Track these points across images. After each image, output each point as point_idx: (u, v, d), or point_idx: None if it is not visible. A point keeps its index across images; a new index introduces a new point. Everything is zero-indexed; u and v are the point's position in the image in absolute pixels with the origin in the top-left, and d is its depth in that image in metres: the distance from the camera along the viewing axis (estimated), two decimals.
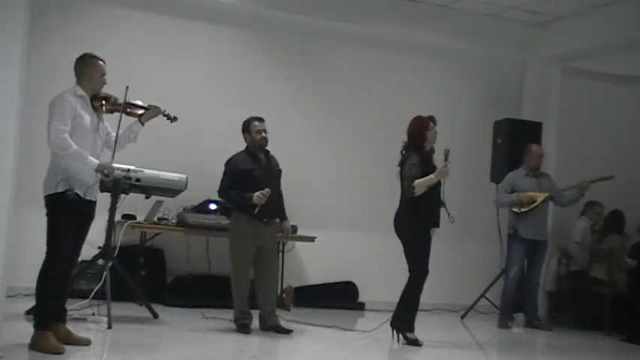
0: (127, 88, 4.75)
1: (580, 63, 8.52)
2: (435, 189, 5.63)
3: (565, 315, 8.04)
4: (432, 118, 5.78)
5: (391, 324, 5.80)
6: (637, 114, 8.93)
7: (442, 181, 5.66)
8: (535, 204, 7.19)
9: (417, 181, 5.54)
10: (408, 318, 5.72)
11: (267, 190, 5.61)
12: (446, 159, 5.60)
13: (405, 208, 5.74)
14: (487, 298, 7.70)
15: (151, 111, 4.96)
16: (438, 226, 5.73)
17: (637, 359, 6.44)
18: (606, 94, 8.89)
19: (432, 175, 5.54)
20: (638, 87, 8.97)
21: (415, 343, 5.65)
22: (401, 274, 8.30)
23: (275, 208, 5.83)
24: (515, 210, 7.25)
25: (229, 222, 6.02)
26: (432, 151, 5.81)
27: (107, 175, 4.57)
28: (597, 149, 8.67)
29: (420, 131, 5.73)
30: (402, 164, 5.73)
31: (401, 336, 5.72)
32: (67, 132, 4.38)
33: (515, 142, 7.64)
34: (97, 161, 4.50)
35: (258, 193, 5.61)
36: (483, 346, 6.56)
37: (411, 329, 5.71)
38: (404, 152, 5.79)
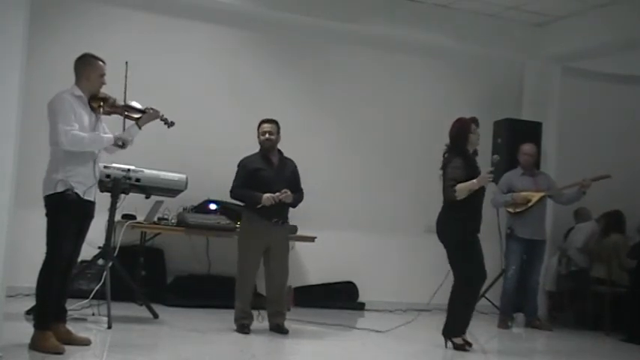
0: (127, 63, 4.74)
1: (580, 63, 8.52)
2: (478, 193, 5.49)
3: (565, 315, 8.04)
4: (474, 120, 5.65)
5: (443, 333, 5.67)
6: (637, 114, 8.93)
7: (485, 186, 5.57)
8: (529, 204, 7.19)
9: (459, 185, 5.38)
10: (457, 325, 5.60)
11: (277, 194, 5.62)
12: (493, 166, 5.49)
13: (447, 212, 5.59)
14: (487, 298, 7.70)
15: (149, 114, 4.93)
16: (479, 231, 5.61)
17: (637, 359, 6.44)
18: (606, 94, 8.89)
19: (474, 181, 5.37)
20: (638, 87, 8.98)
21: (461, 348, 5.53)
22: (401, 274, 8.33)
23: (285, 210, 5.83)
24: (509, 210, 7.26)
25: (241, 221, 6.02)
26: (476, 153, 5.69)
27: (123, 145, 4.66)
28: (597, 149, 8.66)
29: (462, 134, 5.59)
30: (444, 167, 5.58)
31: (449, 342, 5.61)
32: (74, 129, 4.40)
33: (515, 142, 7.64)
34: (111, 135, 4.61)
35: (268, 195, 5.62)
36: (483, 347, 6.54)
37: (459, 333, 5.59)
38: (446, 155, 5.64)
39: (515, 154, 7.51)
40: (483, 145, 7.99)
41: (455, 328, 5.59)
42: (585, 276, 7.73)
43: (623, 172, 7.86)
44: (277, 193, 5.64)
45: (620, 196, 8.06)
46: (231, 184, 5.85)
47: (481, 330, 7.14)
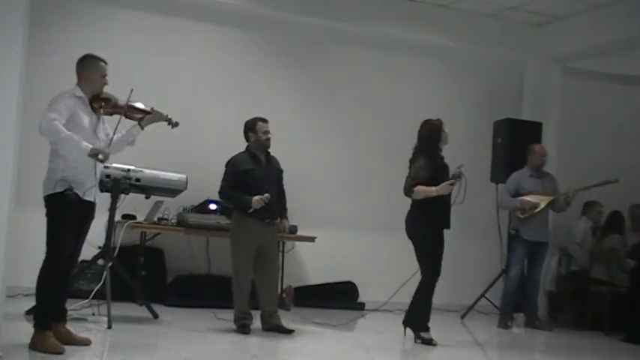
0: (132, 90, 4.73)
1: (580, 63, 8.52)
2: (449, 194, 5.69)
3: (565, 315, 8.03)
4: (441, 122, 5.84)
5: (403, 323, 5.90)
6: (637, 114, 8.93)
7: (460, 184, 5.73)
8: (538, 209, 7.17)
9: (419, 187, 5.63)
10: (422, 318, 5.79)
11: (266, 195, 5.61)
12: (453, 178, 5.66)
13: (414, 209, 5.81)
14: (487, 298, 7.70)
15: (153, 116, 4.92)
16: (448, 227, 5.80)
17: (637, 359, 6.43)
18: (606, 94, 8.89)
19: (434, 188, 5.61)
20: (638, 87, 8.97)
21: (430, 342, 5.71)
22: (401, 274, 8.29)
23: (276, 209, 5.84)
24: (518, 215, 7.23)
25: (231, 222, 6.02)
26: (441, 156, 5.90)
27: (102, 160, 4.41)
28: (597, 149, 8.67)
29: (435, 134, 5.79)
30: (410, 165, 5.82)
31: (415, 336, 5.79)
32: (58, 120, 4.29)
33: (515, 142, 7.64)
34: (90, 145, 4.34)
35: (257, 198, 5.60)
36: (483, 346, 6.56)
37: (426, 329, 5.77)
38: (414, 154, 5.86)
39: (516, 154, 7.50)
40: (483, 145, 8.10)
41: (422, 323, 5.78)
42: (585, 276, 7.72)
43: (622, 172, 7.85)
44: (266, 195, 5.62)
45: (621, 195, 8.05)
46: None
47: (481, 330, 7.16)
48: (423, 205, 5.69)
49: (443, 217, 5.77)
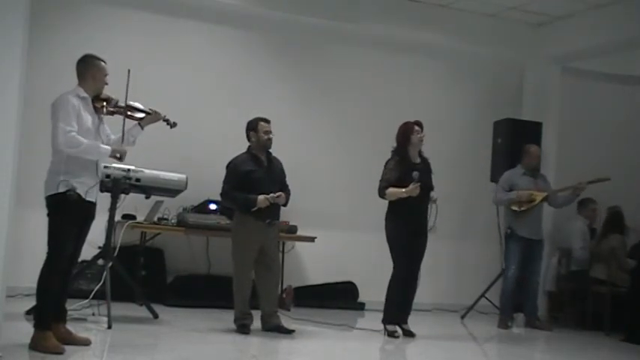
0: (129, 71, 4.73)
1: (580, 63, 8.52)
2: (419, 197, 5.82)
3: (565, 315, 8.03)
4: (418, 123, 6.03)
5: (398, 323, 5.99)
6: (636, 114, 8.92)
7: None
8: (534, 203, 7.19)
9: (390, 189, 5.84)
10: (387, 311, 5.97)
11: (271, 195, 5.62)
12: (415, 182, 5.79)
13: (389, 208, 6.00)
14: (487, 298, 7.70)
15: (152, 116, 4.96)
16: (416, 230, 5.93)
17: (637, 359, 6.44)
18: (606, 94, 8.88)
19: (403, 190, 5.78)
20: (637, 87, 8.97)
21: (392, 335, 5.89)
22: None
23: (278, 209, 5.83)
24: (514, 208, 7.25)
25: (232, 222, 6.02)
26: (423, 160, 6.06)
27: (120, 158, 4.65)
28: (597, 149, 8.66)
29: (404, 136, 5.98)
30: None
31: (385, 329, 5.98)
32: (74, 131, 4.39)
33: (515, 142, 7.64)
34: (109, 147, 4.58)
35: (262, 197, 5.61)
36: (483, 347, 6.56)
37: (389, 322, 5.95)
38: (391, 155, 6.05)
39: (516, 154, 7.50)
40: (483, 145, 8.10)
41: (388, 317, 5.95)
42: (585, 276, 7.72)
43: (622, 172, 7.85)
44: (271, 195, 5.63)
45: (620, 195, 8.05)
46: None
47: (481, 330, 7.16)
48: (395, 205, 5.89)
49: (413, 218, 5.90)
